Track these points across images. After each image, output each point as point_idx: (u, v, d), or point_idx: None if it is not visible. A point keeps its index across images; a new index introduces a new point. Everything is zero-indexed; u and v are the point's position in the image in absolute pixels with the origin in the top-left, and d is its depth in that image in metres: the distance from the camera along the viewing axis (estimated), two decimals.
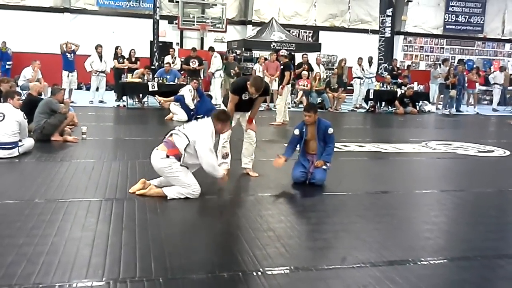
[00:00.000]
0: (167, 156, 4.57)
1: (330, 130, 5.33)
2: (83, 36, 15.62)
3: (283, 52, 12.73)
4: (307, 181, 5.33)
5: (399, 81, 15.47)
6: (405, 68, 18.91)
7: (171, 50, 15.35)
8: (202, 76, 14.83)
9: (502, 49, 23.22)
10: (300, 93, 14.45)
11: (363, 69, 15.58)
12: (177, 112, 10.39)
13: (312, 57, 16.01)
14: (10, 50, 14.28)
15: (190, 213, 4.45)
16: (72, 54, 13.01)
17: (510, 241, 4.10)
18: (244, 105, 5.52)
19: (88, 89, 14.54)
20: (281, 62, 11.87)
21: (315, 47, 17.70)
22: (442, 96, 16.04)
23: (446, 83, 15.42)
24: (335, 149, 5.71)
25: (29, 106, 7.36)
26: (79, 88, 15.05)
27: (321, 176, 5.28)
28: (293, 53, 16.30)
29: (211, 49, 15.03)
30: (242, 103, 5.46)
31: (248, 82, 5.36)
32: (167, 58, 14.26)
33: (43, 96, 9.07)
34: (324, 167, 5.29)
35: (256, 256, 3.34)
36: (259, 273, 3.09)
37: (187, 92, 10.47)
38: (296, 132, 5.42)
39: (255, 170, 5.72)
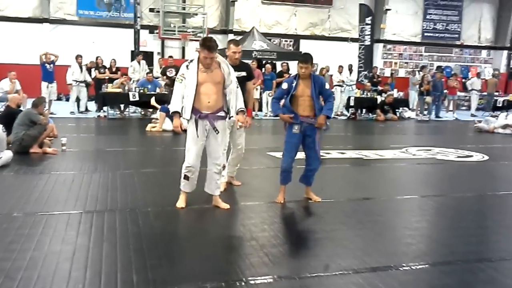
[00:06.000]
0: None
1: (327, 85, 4.87)
2: (63, 47, 15.50)
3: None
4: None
5: (379, 88, 15.64)
6: (386, 75, 19.13)
7: (160, 60, 15.31)
8: None
9: (479, 55, 23.71)
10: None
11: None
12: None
13: (292, 65, 16.11)
14: None
15: (172, 224, 4.41)
16: (52, 65, 12.87)
17: (491, 245, 4.15)
18: None
19: (68, 99, 14.38)
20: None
21: (296, 55, 17.82)
22: None
23: (421, 90, 15.68)
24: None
25: (8, 118, 7.25)
26: (58, 99, 14.86)
27: (317, 164, 4.97)
28: (274, 62, 16.38)
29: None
30: None
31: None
32: (157, 69, 14.32)
33: (22, 108, 8.93)
34: (323, 127, 4.81)
35: (239, 266, 3.32)
36: (243, 283, 3.07)
37: None
38: (284, 86, 4.81)
39: (238, 179, 5.70)
